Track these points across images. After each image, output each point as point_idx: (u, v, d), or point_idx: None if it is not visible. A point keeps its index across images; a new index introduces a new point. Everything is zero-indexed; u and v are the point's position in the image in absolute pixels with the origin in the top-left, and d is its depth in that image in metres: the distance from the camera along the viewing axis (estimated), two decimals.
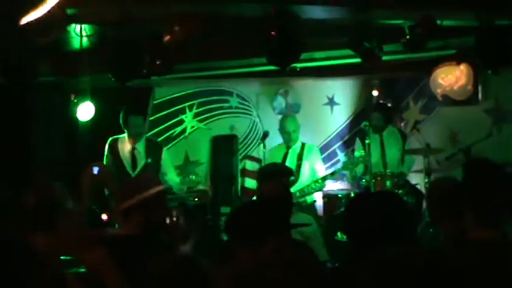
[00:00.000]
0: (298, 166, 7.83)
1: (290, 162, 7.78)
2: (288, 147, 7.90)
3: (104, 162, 7.10)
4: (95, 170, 4.33)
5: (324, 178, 7.75)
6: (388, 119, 8.40)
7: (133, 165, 7.19)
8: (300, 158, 7.85)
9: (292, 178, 7.39)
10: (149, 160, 7.26)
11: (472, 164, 3.49)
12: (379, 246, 3.30)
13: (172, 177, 7.44)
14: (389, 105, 8.86)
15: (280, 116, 8.70)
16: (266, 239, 3.17)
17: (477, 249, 3.16)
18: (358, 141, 8.30)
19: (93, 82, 7.52)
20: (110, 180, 4.37)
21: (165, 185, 5.08)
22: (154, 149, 7.44)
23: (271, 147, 8.08)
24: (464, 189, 3.37)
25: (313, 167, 7.93)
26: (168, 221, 4.93)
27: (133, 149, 7.26)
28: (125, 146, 7.28)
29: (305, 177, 7.80)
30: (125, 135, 7.30)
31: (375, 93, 9.12)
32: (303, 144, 7.95)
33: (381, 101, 8.97)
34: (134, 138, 7.26)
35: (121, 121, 7.24)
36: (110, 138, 7.31)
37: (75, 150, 8.14)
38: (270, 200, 4.34)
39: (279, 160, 7.68)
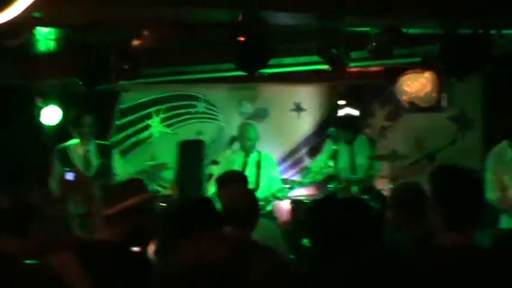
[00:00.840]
0: (258, 175, 7.78)
1: (249, 171, 7.75)
2: (247, 156, 7.84)
3: (53, 171, 7.07)
4: (70, 176, 4.32)
5: (291, 187, 7.78)
6: (356, 130, 8.47)
7: (86, 167, 7.14)
8: (258, 166, 7.79)
9: (253, 187, 7.49)
10: (102, 161, 7.27)
11: (442, 169, 3.54)
12: (342, 253, 3.36)
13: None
14: (354, 114, 8.95)
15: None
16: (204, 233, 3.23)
17: (443, 254, 3.21)
18: (326, 145, 8.33)
19: (59, 86, 7.49)
20: (85, 185, 4.35)
21: (151, 193, 5.04)
22: (105, 151, 7.43)
23: (227, 153, 8.09)
24: (434, 195, 3.41)
25: (271, 175, 7.93)
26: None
27: (86, 151, 7.23)
28: (76, 151, 7.23)
29: (264, 185, 7.83)
30: (74, 141, 7.27)
31: (342, 102, 9.18)
32: (259, 153, 7.89)
33: (345, 112, 9.03)
34: (86, 138, 7.23)
35: (72, 123, 7.24)
36: (57, 147, 7.26)
37: (41, 155, 8.05)
38: (232, 204, 4.35)
39: (238, 168, 7.59)
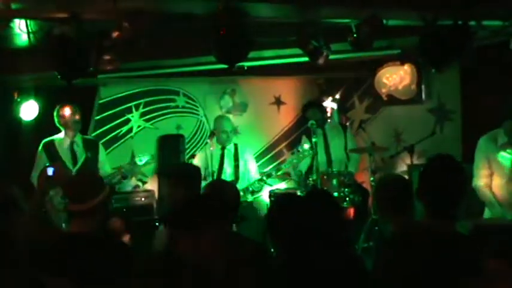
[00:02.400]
0: (236, 166, 7.94)
1: (228, 163, 7.86)
2: (223, 148, 7.92)
3: (36, 164, 7.01)
4: (50, 171, 4.28)
5: (269, 175, 7.80)
6: (323, 112, 8.48)
7: (73, 160, 7.13)
8: (236, 158, 7.93)
9: (232, 179, 7.52)
10: (88, 154, 7.21)
11: (432, 159, 3.57)
12: (303, 251, 3.37)
13: (107, 171, 7.37)
14: (335, 107, 9.00)
15: (228, 115, 8.72)
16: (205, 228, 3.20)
17: (427, 238, 3.23)
18: (304, 139, 8.34)
19: (37, 80, 7.40)
20: (66, 179, 4.30)
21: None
22: (91, 145, 7.42)
23: (205, 147, 8.14)
24: (423, 183, 3.44)
25: (247, 167, 7.99)
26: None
27: (72, 143, 7.20)
28: (63, 143, 7.21)
29: (243, 177, 7.90)
30: (60, 135, 7.24)
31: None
32: (236, 145, 8.03)
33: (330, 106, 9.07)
34: (72, 130, 7.21)
35: (57, 115, 7.20)
36: (44, 140, 7.22)
37: (18, 150, 7.97)
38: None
39: (216, 161, 7.72)
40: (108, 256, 3.52)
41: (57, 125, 7.24)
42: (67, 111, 7.19)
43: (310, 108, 8.37)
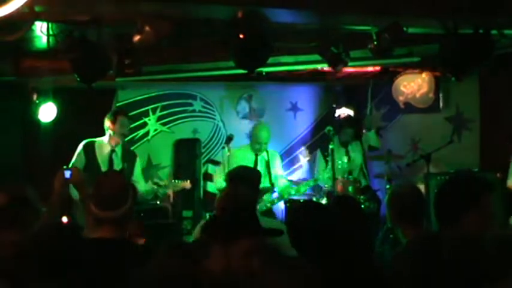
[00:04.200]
0: (269, 174, 7.88)
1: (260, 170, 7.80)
2: (257, 155, 7.89)
3: (73, 163, 6.97)
4: (67, 174, 4.27)
5: (306, 185, 7.80)
6: (357, 134, 8.51)
7: (109, 167, 7.06)
8: (268, 165, 7.87)
9: (268, 185, 7.49)
10: (125, 165, 7.17)
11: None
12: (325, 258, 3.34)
13: (142, 187, 7.34)
14: (352, 115, 8.98)
15: (244, 121, 8.73)
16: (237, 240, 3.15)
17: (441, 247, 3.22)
18: (319, 155, 8.36)
19: (56, 82, 7.44)
20: (81, 184, 4.29)
21: None
22: (130, 156, 7.38)
23: (236, 148, 8.03)
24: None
25: (276, 174, 7.99)
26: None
27: (112, 151, 7.15)
28: (103, 149, 7.14)
29: (275, 183, 7.91)
30: (103, 138, 7.17)
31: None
32: (267, 152, 7.98)
33: (344, 113, 9.05)
34: (118, 139, 7.16)
35: (108, 121, 7.12)
36: (86, 140, 7.13)
37: (36, 152, 8.01)
38: (241, 204, 4.31)
39: (250, 165, 7.61)
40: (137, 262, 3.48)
41: (105, 128, 7.16)
42: (119, 122, 7.12)
43: (347, 127, 8.35)
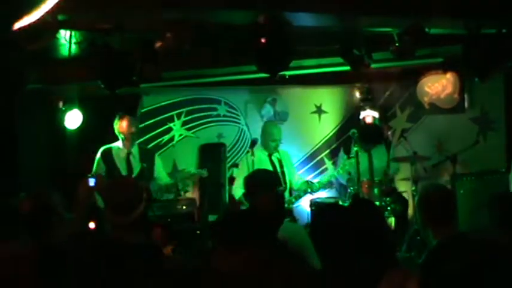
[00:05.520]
0: (283, 173, 7.85)
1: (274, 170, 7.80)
2: (270, 155, 7.89)
3: (94, 170, 7.07)
4: (91, 182, 4.31)
5: (320, 182, 7.79)
6: (379, 140, 8.48)
7: (129, 171, 7.19)
8: (281, 164, 7.87)
9: (282, 187, 7.44)
10: (144, 165, 7.27)
11: None
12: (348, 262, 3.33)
13: (165, 181, 7.46)
14: (376, 120, 8.93)
15: None
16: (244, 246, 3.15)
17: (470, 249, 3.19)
18: (341, 154, 8.34)
19: (81, 90, 7.52)
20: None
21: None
22: (147, 155, 7.48)
23: (247, 156, 7.97)
24: None
25: (292, 173, 8.00)
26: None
27: (128, 154, 7.26)
28: (120, 153, 7.27)
29: (289, 183, 7.90)
30: (118, 143, 7.28)
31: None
32: (279, 152, 7.99)
33: (368, 119, 9.00)
34: (130, 141, 7.26)
35: (116, 126, 7.24)
36: (103, 147, 7.27)
37: (62, 159, 8.10)
38: (261, 211, 4.32)
39: (269, 167, 7.62)
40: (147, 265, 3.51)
41: (116, 133, 7.28)
42: (124, 122, 7.24)
43: (369, 140, 8.33)
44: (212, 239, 3.47)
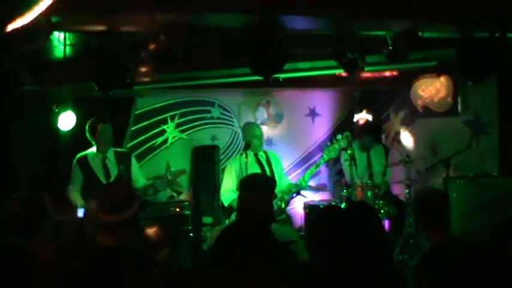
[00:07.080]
0: (271, 172, 7.66)
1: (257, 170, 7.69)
2: (256, 154, 7.68)
3: (71, 179, 7.17)
4: (80, 212, 4.31)
5: (305, 178, 7.72)
6: (377, 139, 8.51)
7: (106, 175, 7.20)
8: (269, 164, 7.73)
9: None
10: (121, 167, 7.28)
11: None
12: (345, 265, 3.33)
13: (141, 183, 7.42)
14: (370, 119, 8.95)
15: (263, 127, 8.71)
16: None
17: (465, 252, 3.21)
18: (343, 153, 8.31)
19: (74, 91, 7.50)
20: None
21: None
22: (123, 158, 7.46)
23: (231, 160, 8.04)
24: None
25: (281, 173, 7.93)
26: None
27: (104, 158, 7.27)
28: (95, 158, 7.28)
29: (278, 182, 7.79)
30: (92, 149, 7.32)
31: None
32: (266, 152, 7.83)
33: (363, 118, 9.04)
34: (104, 146, 7.28)
35: (89, 130, 7.27)
36: (78, 156, 7.30)
37: (55, 160, 8.08)
38: (252, 214, 4.32)
39: (257, 170, 7.50)
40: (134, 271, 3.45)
41: (89, 139, 7.31)
42: (98, 130, 7.26)
43: (366, 135, 8.34)
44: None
